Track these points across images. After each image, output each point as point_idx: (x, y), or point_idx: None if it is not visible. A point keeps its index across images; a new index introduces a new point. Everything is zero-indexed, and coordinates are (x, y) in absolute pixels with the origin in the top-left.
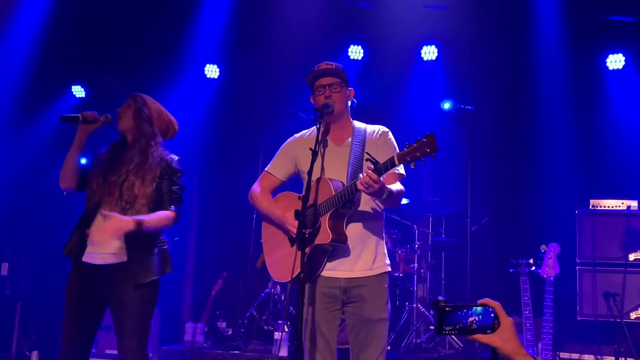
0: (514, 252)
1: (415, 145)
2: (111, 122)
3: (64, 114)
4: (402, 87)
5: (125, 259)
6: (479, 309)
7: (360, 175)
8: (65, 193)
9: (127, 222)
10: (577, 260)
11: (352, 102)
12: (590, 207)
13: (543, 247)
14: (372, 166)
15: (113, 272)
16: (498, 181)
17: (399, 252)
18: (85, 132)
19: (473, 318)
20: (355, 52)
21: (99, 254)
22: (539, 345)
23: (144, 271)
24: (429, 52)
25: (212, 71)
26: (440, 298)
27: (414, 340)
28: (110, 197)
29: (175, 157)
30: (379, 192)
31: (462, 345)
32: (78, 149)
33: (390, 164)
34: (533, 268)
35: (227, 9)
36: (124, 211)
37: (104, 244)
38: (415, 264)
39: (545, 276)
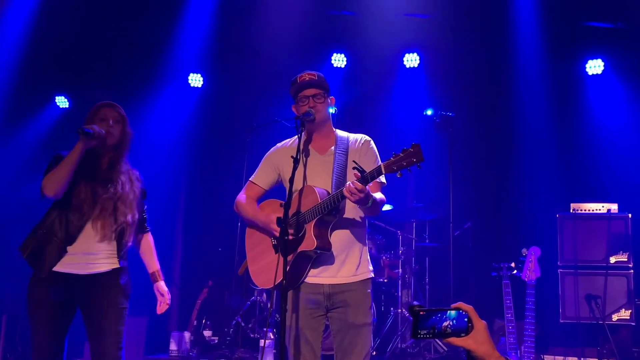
0: (496, 256)
1: (401, 154)
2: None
3: (81, 127)
4: (385, 94)
5: (118, 266)
6: (453, 313)
7: (347, 183)
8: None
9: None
10: (558, 263)
11: (334, 111)
12: (571, 211)
13: (524, 251)
14: (359, 174)
15: (104, 278)
16: (480, 186)
17: (384, 257)
18: (88, 146)
19: (447, 322)
20: (338, 60)
21: (93, 263)
22: (522, 347)
23: (129, 281)
24: (411, 60)
25: (195, 80)
26: (415, 303)
27: (399, 345)
28: (104, 212)
29: (138, 173)
30: (365, 200)
31: (446, 349)
32: (78, 161)
33: (377, 172)
34: (515, 272)
35: (210, 19)
36: (116, 224)
37: (97, 254)
38: (400, 270)
39: (526, 279)
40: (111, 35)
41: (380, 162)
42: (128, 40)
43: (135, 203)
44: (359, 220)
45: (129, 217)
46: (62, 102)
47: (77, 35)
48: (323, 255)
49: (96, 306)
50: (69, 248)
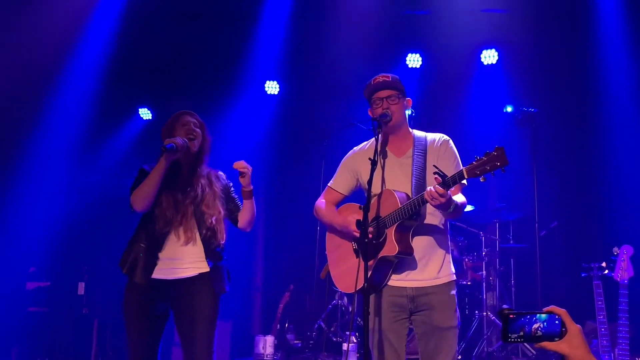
0: (586, 255)
1: (484, 158)
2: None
3: (163, 145)
4: (463, 93)
5: (207, 269)
6: (544, 316)
7: (428, 188)
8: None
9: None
10: None
11: (411, 112)
12: None
13: (615, 250)
14: (440, 179)
15: (192, 283)
16: (566, 184)
17: (466, 260)
18: (172, 159)
19: (537, 325)
20: (414, 60)
21: (178, 268)
22: (616, 350)
23: (221, 283)
24: (489, 56)
25: (272, 87)
26: (504, 306)
27: (485, 349)
28: (185, 216)
29: (222, 173)
30: (446, 205)
31: (535, 352)
32: (163, 176)
33: (459, 177)
34: (606, 271)
35: (285, 26)
36: (200, 227)
37: (182, 259)
38: (484, 272)
39: (619, 279)
40: (190, 47)
41: (459, 161)
42: (206, 51)
43: (218, 203)
44: (441, 224)
45: (213, 219)
46: (145, 113)
47: (158, 49)
48: (405, 260)
49: (186, 313)
50: (159, 254)
